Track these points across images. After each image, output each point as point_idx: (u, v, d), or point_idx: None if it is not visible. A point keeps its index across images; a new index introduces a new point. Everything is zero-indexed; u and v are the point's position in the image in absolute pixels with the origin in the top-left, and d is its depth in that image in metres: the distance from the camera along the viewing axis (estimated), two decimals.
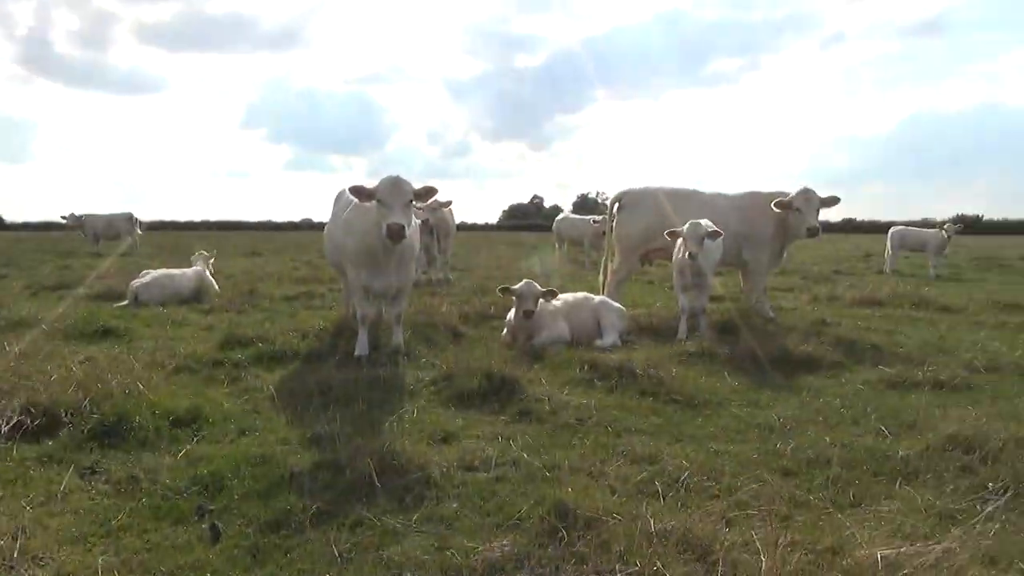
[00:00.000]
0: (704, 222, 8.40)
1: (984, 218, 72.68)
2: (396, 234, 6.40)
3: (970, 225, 42.39)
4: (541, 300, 7.90)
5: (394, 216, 6.47)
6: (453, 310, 9.34)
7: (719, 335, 7.96)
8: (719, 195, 10.38)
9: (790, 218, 9.71)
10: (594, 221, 22.04)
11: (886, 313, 10.37)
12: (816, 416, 5.15)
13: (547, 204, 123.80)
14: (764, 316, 9.88)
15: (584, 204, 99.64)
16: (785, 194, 9.86)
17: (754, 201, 10.12)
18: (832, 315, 10.17)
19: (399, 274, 7.28)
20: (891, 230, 18.95)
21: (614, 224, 10.47)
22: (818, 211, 9.62)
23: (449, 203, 14.30)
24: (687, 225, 8.32)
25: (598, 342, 7.91)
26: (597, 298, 8.59)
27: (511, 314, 8.14)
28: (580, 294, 8.64)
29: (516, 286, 7.91)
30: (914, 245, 18.61)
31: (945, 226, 18.08)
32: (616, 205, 10.49)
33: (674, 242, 9.63)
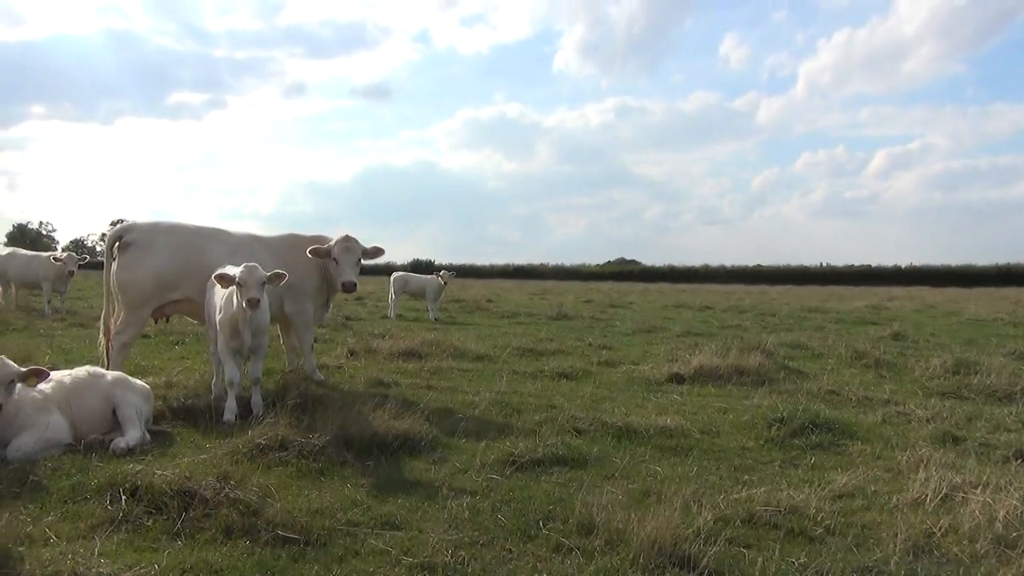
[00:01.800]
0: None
1: (435, 263, 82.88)
2: None
3: (424, 270, 47.09)
4: (19, 385, 5.17)
5: None
6: None
7: (284, 414, 6.22)
8: (252, 236, 8.64)
9: (329, 268, 8.49)
10: (55, 259, 17.82)
11: (432, 366, 9.86)
12: (479, 534, 3.93)
13: None
14: (314, 379, 8.44)
15: (23, 236, 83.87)
16: (325, 239, 8.64)
17: (295, 245, 8.65)
18: (381, 372, 9.25)
19: None
20: (393, 275, 19.27)
21: (114, 268, 7.87)
22: (359, 263, 8.55)
23: None
24: (242, 268, 6.48)
25: (120, 443, 5.46)
26: (109, 375, 6.07)
27: None
28: (82, 370, 6.00)
29: None
30: (415, 290, 19.20)
31: (441, 273, 19.06)
32: (116, 244, 7.92)
33: (202, 293, 7.65)
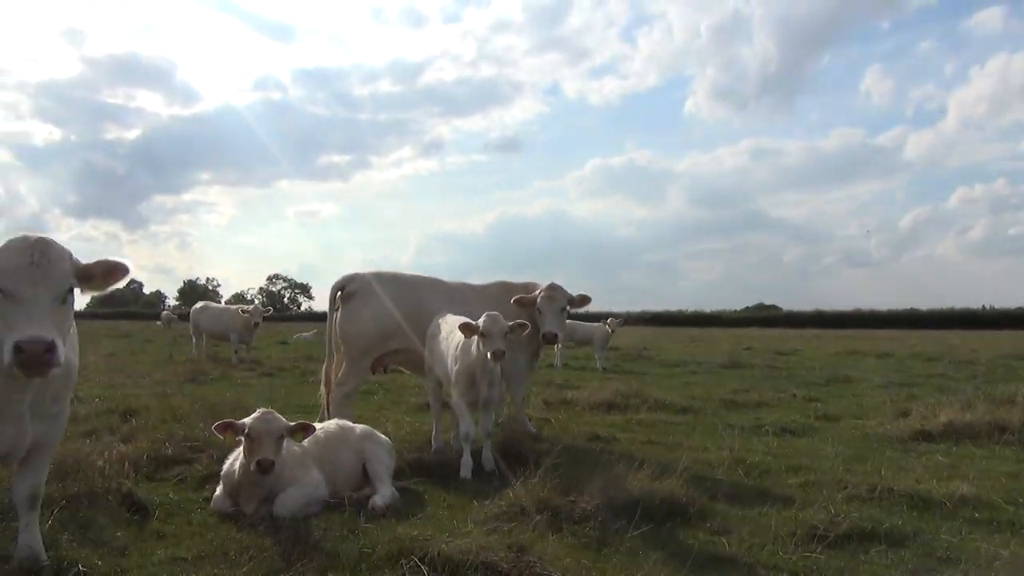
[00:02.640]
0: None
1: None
2: (37, 359, 3.15)
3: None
4: (286, 440, 5.06)
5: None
6: (107, 457, 5.83)
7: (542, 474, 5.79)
8: (465, 285, 8.51)
9: (535, 317, 8.14)
10: (243, 311, 18.75)
11: (639, 419, 9.32)
12: None
13: (147, 290, 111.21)
14: (526, 431, 8.08)
15: (193, 291, 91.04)
16: (535, 287, 8.36)
17: (506, 293, 8.42)
18: (588, 425, 8.80)
19: (40, 419, 3.84)
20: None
21: (338, 319, 7.89)
22: (563, 312, 8.22)
23: None
24: (485, 318, 6.26)
25: (378, 501, 5.24)
26: (358, 429, 5.92)
27: (233, 462, 5.14)
28: (332, 423, 5.89)
29: (249, 419, 4.97)
30: (582, 338, 18.79)
31: (609, 320, 18.56)
32: (339, 294, 7.95)
33: (421, 343, 7.53)
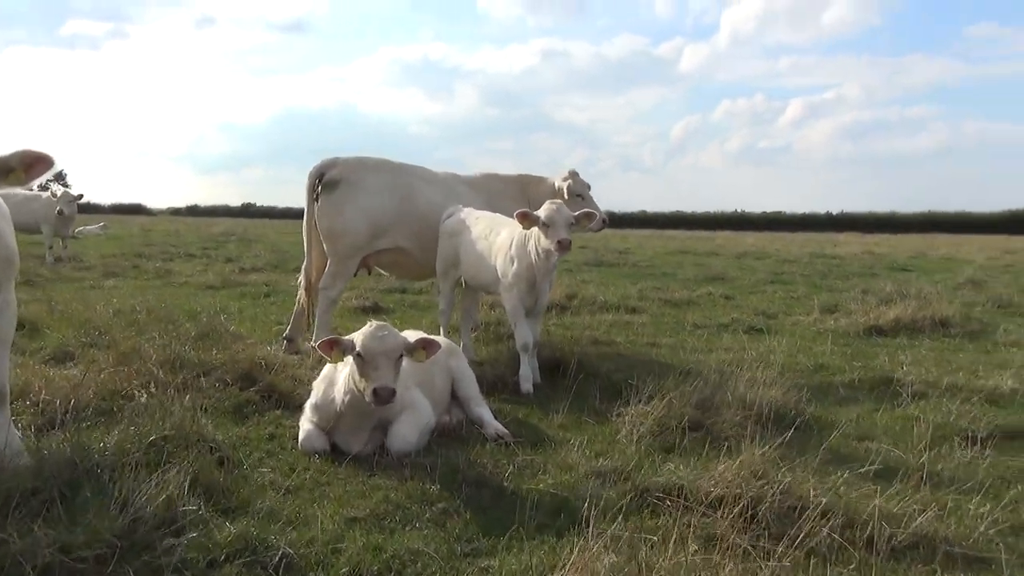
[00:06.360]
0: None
1: None
2: None
3: None
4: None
5: None
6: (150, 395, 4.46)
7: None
8: (454, 176, 7.51)
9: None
10: (54, 195, 15.83)
11: (611, 320, 9.01)
12: None
13: None
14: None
15: None
16: (528, 178, 7.77)
17: (498, 186, 7.62)
18: (567, 328, 8.36)
19: None
20: None
21: (319, 211, 6.61)
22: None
23: None
24: (548, 206, 5.50)
25: (498, 427, 4.48)
26: (441, 341, 4.96)
27: (327, 390, 4.10)
28: (411, 336, 4.86)
29: (359, 335, 3.94)
30: None
31: None
32: (317, 182, 6.64)
33: (413, 241, 6.69)
